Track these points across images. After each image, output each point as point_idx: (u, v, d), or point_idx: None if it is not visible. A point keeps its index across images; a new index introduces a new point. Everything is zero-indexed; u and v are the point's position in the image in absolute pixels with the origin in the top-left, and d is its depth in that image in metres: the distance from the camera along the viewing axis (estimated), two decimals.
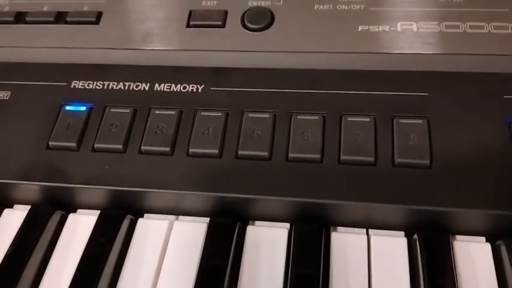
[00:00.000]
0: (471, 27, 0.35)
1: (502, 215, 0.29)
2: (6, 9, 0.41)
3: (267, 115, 0.33)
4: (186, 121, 0.34)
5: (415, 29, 0.36)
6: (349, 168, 0.31)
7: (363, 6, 0.37)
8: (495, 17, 0.36)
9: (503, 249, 0.30)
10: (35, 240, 0.33)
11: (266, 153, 0.32)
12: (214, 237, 0.32)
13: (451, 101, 0.33)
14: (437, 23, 0.36)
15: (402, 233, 0.32)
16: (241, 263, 0.31)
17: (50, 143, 0.34)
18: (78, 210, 0.35)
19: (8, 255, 0.32)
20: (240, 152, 0.32)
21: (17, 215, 0.35)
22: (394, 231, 0.32)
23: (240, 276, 0.31)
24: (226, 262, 0.30)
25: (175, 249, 0.32)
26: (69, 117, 0.35)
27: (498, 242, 0.30)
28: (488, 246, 0.31)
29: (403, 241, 0.31)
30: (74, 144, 0.34)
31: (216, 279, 0.30)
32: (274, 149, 0.32)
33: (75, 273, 0.31)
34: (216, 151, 0.32)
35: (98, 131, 0.34)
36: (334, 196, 0.30)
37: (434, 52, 0.35)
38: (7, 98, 0.37)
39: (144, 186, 0.32)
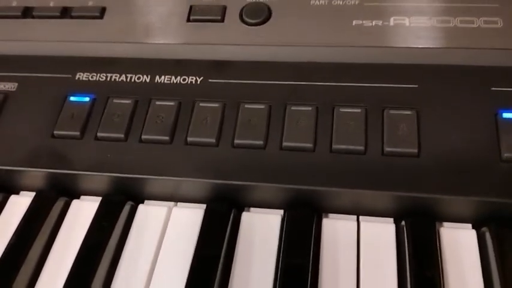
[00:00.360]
0: (461, 21, 0.36)
1: (486, 202, 0.31)
2: (14, 4, 0.43)
3: (262, 106, 0.35)
4: (185, 111, 0.35)
5: (407, 24, 0.37)
6: (340, 156, 0.32)
7: (357, 1, 0.38)
8: (485, 12, 0.37)
9: (488, 236, 0.31)
10: (39, 224, 0.35)
11: (261, 142, 0.33)
12: (209, 222, 0.33)
13: (440, 92, 0.34)
14: (428, 17, 0.37)
15: (391, 220, 0.33)
16: (236, 248, 0.32)
17: (54, 131, 0.36)
18: (82, 197, 0.37)
19: (14, 239, 0.34)
20: (236, 141, 0.34)
21: (23, 201, 0.36)
22: (383, 218, 0.33)
23: (234, 260, 0.32)
24: (221, 247, 0.32)
25: (174, 234, 0.34)
26: (74, 108, 0.37)
27: (483, 229, 0.32)
28: (473, 232, 0.32)
29: (391, 227, 0.32)
30: (77, 133, 0.35)
31: (211, 264, 0.31)
32: (269, 139, 0.34)
33: (77, 255, 0.32)
34: (213, 140, 0.34)
35: (100, 120, 0.36)
36: (326, 183, 0.32)
37: (425, 46, 0.36)
38: (14, 90, 0.38)
39: (144, 173, 0.33)
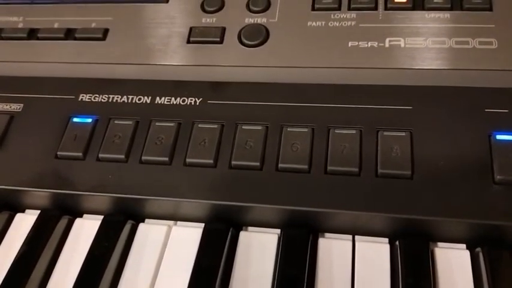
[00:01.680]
0: (457, 42, 0.37)
1: (479, 224, 0.31)
2: (20, 26, 0.44)
3: (259, 127, 0.35)
4: (184, 132, 0.36)
5: (402, 45, 0.37)
6: (335, 178, 0.33)
7: (353, 23, 0.39)
8: (480, 33, 0.37)
9: (481, 256, 0.31)
10: (44, 242, 0.36)
11: (257, 164, 0.34)
12: (207, 241, 0.34)
13: (434, 114, 0.34)
14: (424, 38, 0.37)
15: (386, 240, 0.34)
16: (233, 266, 0.33)
17: (58, 152, 0.37)
18: (84, 215, 0.38)
19: (19, 256, 0.35)
20: (233, 162, 0.34)
21: (28, 219, 0.37)
22: (378, 238, 0.34)
23: (231, 278, 0.33)
24: (219, 265, 0.33)
25: (173, 253, 0.35)
26: (77, 129, 0.38)
27: (477, 250, 0.32)
28: (467, 253, 0.32)
29: (386, 247, 0.33)
30: (80, 154, 0.36)
31: (209, 281, 0.32)
32: (266, 160, 0.34)
33: (79, 273, 0.33)
34: (211, 161, 0.35)
35: (102, 141, 0.37)
36: (321, 205, 0.32)
37: (420, 67, 0.36)
38: (20, 110, 0.40)
39: (143, 194, 0.34)
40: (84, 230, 0.37)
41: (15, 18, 0.45)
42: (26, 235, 0.36)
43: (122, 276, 0.34)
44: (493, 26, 0.37)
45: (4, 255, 0.36)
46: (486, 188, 0.31)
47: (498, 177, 0.31)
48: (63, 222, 0.37)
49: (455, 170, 0.32)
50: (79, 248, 0.36)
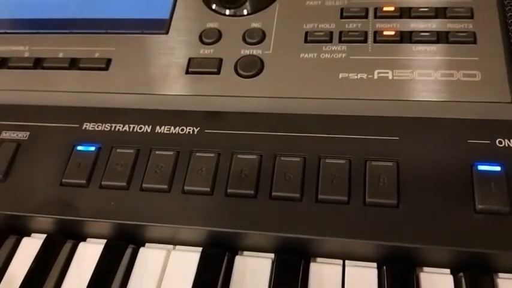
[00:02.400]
0: (442, 74, 0.39)
1: (461, 251, 0.33)
2: (26, 55, 0.46)
3: (254, 156, 0.37)
4: (183, 161, 0.38)
5: (390, 77, 0.39)
6: (325, 206, 0.35)
7: (344, 55, 0.41)
8: (465, 65, 0.39)
9: (463, 281, 0.33)
10: (49, 266, 0.37)
11: (252, 192, 0.36)
12: (205, 265, 0.36)
13: (420, 145, 0.36)
14: (410, 71, 0.39)
15: (374, 265, 0.35)
16: None
17: (63, 180, 0.39)
18: (88, 239, 0.40)
19: (26, 279, 0.37)
20: (229, 190, 0.36)
21: (34, 243, 0.39)
22: (367, 263, 0.35)
23: None
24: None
25: (172, 276, 0.36)
26: (80, 157, 0.40)
27: (460, 275, 0.34)
28: (450, 278, 0.34)
29: (374, 272, 0.34)
30: (84, 182, 0.38)
31: None
32: (260, 188, 0.36)
33: None
34: (208, 189, 0.36)
35: (105, 169, 0.39)
36: (312, 232, 0.34)
37: (406, 99, 0.38)
38: (26, 138, 0.41)
39: (144, 221, 0.36)
40: (88, 254, 0.38)
41: (21, 48, 0.47)
42: (32, 258, 0.38)
43: None
44: (477, 58, 0.39)
45: (11, 279, 0.38)
46: (468, 216, 0.33)
47: (479, 206, 0.33)
48: (67, 246, 0.39)
49: (439, 199, 0.34)
50: (83, 271, 0.37)
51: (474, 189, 0.34)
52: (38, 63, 0.45)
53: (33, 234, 0.40)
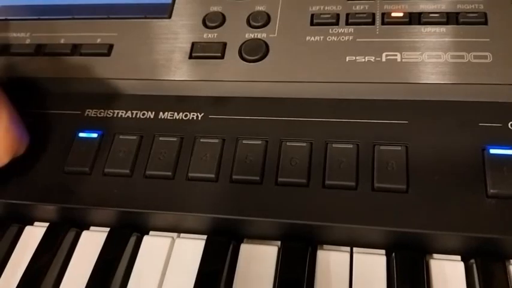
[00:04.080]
0: (452, 56, 0.38)
1: (473, 237, 0.32)
2: (28, 41, 0.45)
3: (259, 142, 0.37)
4: (186, 147, 0.37)
5: (398, 59, 0.38)
6: (332, 192, 0.34)
7: (351, 38, 0.40)
8: (476, 47, 0.38)
9: (475, 268, 0.32)
10: (52, 254, 0.37)
11: (257, 178, 0.35)
12: (210, 253, 0.35)
13: (429, 128, 0.35)
14: (420, 53, 0.38)
15: (383, 251, 0.35)
16: (235, 278, 0.34)
17: (65, 167, 0.38)
18: (91, 228, 0.39)
19: (29, 268, 0.37)
20: (234, 177, 0.36)
21: (37, 232, 0.39)
22: (375, 250, 0.35)
23: None
24: (220, 276, 0.34)
25: (177, 264, 0.36)
26: (83, 144, 0.39)
27: (471, 261, 0.33)
28: (461, 265, 0.33)
29: (383, 259, 0.34)
30: (86, 169, 0.38)
31: None
32: (265, 174, 0.35)
33: (86, 285, 0.35)
34: (212, 175, 0.36)
35: (107, 156, 0.38)
36: (319, 218, 0.33)
37: (416, 81, 0.37)
38: (27, 126, 0.41)
39: (147, 208, 0.36)
40: (91, 242, 0.38)
41: (22, 34, 0.46)
42: (35, 247, 0.38)
43: (128, 287, 0.35)
44: (488, 40, 0.38)
45: (14, 267, 0.37)
46: (479, 201, 0.32)
47: (491, 191, 0.32)
48: (70, 234, 0.38)
49: (450, 183, 0.33)
50: (86, 259, 0.37)
51: (486, 173, 0.33)
52: (39, 49, 0.44)
53: (35, 223, 0.40)
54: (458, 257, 0.34)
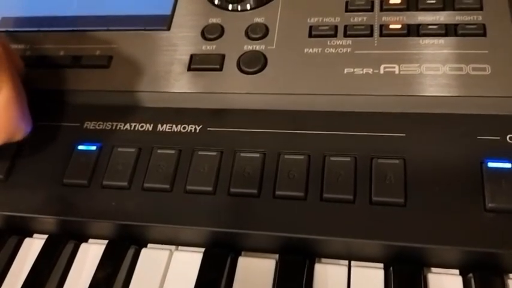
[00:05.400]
0: (451, 69, 0.38)
1: (471, 251, 0.32)
2: (28, 53, 0.46)
3: (257, 154, 0.37)
4: (185, 160, 0.37)
5: (396, 72, 0.38)
6: (330, 205, 0.34)
7: (349, 50, 0.40)
8: (474, 59, 0.38)
9: (473, 282, 0.32)
10: (51, 266, 0.37)
11: (255, 191, 0.35)
12: (207, 266, 0.35)
13: (427, 141, 0.35)
14: (418, 65, 0.38)
15: (381, 265, 0.34)
16: None
17: (64, 180, 0.38)
18: (90, 240, 0.39)
19: (28, 280, 0.37)
20: (231, 190, 0.36)
21: (36, 244, 0.39)
22: (373, 263, 0.35)
23: None
24: None
25: (175, 277, 0.36)
26: (82, 156, 0.39)
27: (469, 275, 0.33)
28: (459, 279, 0.33)
29: (381, 273, 0.34)
30: (85, 182, 0.38)
31: None
32: (263, 187, 0.35)
33: None
34: (210, 188, 0.36)
35: (106, 169, 0.38)
36: (316, 232, 0.33)
37: (413, 94, 0.37)
38: (27, 138, 0.41)
39: (145, 221, 0.36)
40: (90, 254, 0.38)
41: (22, 46, 0.46)
42: (34, 259, 0.38)
43: None
44: (487, 52, 0.38)
45: (13, 280, 0.37)
46: (478, 215, 0.32)
47: (489, 205, 0.32)
48: (69, 246, 0.38)
49: (448, 197, 0.33)
50: (84, 271, 0.37)
51: (484, 186, 0.33)
52: (40, 61, 0.45)
53: (34, 235, 0.40)
54: (457, 271, 0.34)
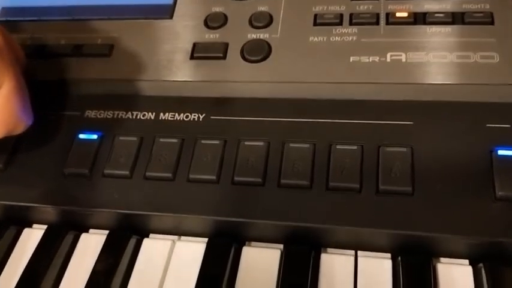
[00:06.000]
0: (458, 57, 0.37)
1: (481, 240, 0.31)
2: (28, 42, 0.45)
3: (261, 143, 0.36)
4: (187, 149, 0.37)
5: (403, 60, 0.37)
6: (336, 194, 0.33)
7: (355, 38, 0.39)
8: (482, 47, 0.37)
9: (483, 272, 0.31)
10: (50, 257, 0.36)
11: (260, 179, 0.34)
12: (211, 256, 0.34)
13: (435, 129, 0.34)
14: (425, 53, 0.37)
15: (388, 255, 0.34)
16: (236, 282, 0.34)
17: (65, 169, 0.38)
18: (90, 230, 0.38)
19: (27, 271, 0.36)
20: (235, 179, 0.35)
21: (35, 234, 0.38)
22: (381, 253, 0.34)
23: None
24: (222, 280, 0.33)
25: (177, 267, 0.35)
26: (83, 145, 0.38)
27: (479, 265, 0.32)
28: (469, 269, 0.32)
29: (388, 263, 0.33)
30: (86, 171, 0.37)
31: None
32: (268, 176, 0.35)
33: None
34: (213, 177, 0.35)
35: (107, 158, 0.37)
36: (322, 221, 0.33)
37: (421, 82, 0.36)
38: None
39: (147, 210, 0.35)
40: (90, 245, 0.37)
41: (23, 35, 0.46)
42: (33, 250, 0.37)
43: None
44: (495, 40, 0.37)
45: (12, 270, 0.37)
46: (487, 204, 0.31)
47: (499, 193, 0.31)
48: (69, 237, 0.38)
49: (457, 186, 0.32)
50: (85, 262, 0.36)
51: (494, 175, 0.32)
52: (40, 50, 0.44)
53: (34, 225, 0.39)
54: (466, 261, 0.33)
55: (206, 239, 0.36)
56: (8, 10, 0.49)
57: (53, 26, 0.46)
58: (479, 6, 0.39)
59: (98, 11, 0.46)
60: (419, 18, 0.39)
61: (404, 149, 0.34)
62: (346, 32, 0.40)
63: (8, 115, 0.33)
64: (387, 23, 0.39)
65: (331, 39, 0.39)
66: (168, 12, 0.44)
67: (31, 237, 0.38)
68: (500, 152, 0.33)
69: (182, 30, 0.43)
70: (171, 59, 0.41)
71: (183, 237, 0.37)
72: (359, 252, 0.34)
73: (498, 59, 0.36)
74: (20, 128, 0.35)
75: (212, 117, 0.38)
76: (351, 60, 0.38)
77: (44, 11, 0.48)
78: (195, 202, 0.35)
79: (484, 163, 0.33)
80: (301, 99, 0.38)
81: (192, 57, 0.41)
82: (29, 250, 0.37)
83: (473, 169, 0.33)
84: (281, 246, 0.35)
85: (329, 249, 0.35)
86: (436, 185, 0.32)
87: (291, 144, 0.35)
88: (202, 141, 0.37)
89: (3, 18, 0.48)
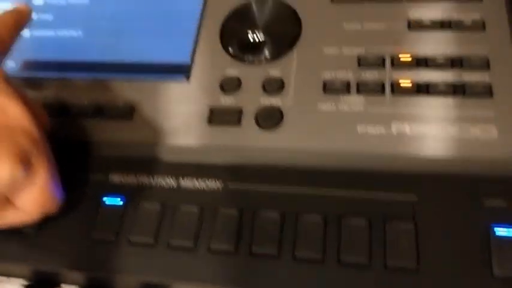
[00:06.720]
0: (459, 129, 0.39)
1: None
2: (51, 101, 0.47)
3: (276, 214, 0.38)
4: (207, 217, 0.39)
5: (408, 131, 0.40)
6: (346, 269, 0.36)
7: (362, 108, 0.41)
8: (481, 120, 0.39)
9: None
10: None
11: (275, 251, 0.37)
12: None
13: (437, 205, 0.36)
14: (427, 125, 0.40)
15: None
16: None
17: (92, 235, 0.40)
18: None
19: None
20: (253, 250, 0.37)
21: None
22: None
23: None
24: None
25: None
26: (108, 210, 0.41)
27: None
28: None
29: None
30: (112, 238, 0.40)
31: None
32: (283, 248, 0.37)
33: None
34: (231, 248, 0.38)
35: (132, 224, 0.40)
36: None
37: (422, 154, 0.39)
38: None
39: (169, 279, 0.38)
40: None
41: (46, 93, 0.48)
42: None
43: None
44: (494, 112, 0.39)
45: None
46: (485, 282, 0.34)
47: (497, 272, 0.34)
48: None
49: (457, 262, 0.35)
50: None
51: (491, 254, 0.34)
52: (63, 110, 0.46)
53: (62, 285, 0.42)
54: None
55: None
56: (30, 64, 0.51)
57: (76, 84, 0.48)
58: (479, 78, 0.41)
59: (119, 68, 0.48)
60: (422, 88, 0.41)
61: (408, 225, 0.36)
62: (353, 101, 0.42)
63: (44, 201, 0.36)
64: (392, 92, 0.42)
65: (339, 108, 0.42)
66: (186, 73, 0.46)
67: None
68: (498, 230, 0.35)
69: (199, 93, 0.45)
70: (189, 123, 0.43)
71: None
72: None
73: (498, 132, 0.38)
74: (55, 207, 0.38)
75: (230, 184, 0.41)
76: (358, 130, 0.40)
77: (65, 66, 0.50)
78: (214, 272, 0.37)
79: (483, 241, 0.35)
80: (310, 167, 0.40)
81: (208, 122, 0.43)
82: None
83: (473, 246, 0.35)
84: None
85: None
86: (439, 262, 0.35)
87: (305, 215, 0.38)
88: (220, 211, 0.39)
89: (26, 74, 0.50)
